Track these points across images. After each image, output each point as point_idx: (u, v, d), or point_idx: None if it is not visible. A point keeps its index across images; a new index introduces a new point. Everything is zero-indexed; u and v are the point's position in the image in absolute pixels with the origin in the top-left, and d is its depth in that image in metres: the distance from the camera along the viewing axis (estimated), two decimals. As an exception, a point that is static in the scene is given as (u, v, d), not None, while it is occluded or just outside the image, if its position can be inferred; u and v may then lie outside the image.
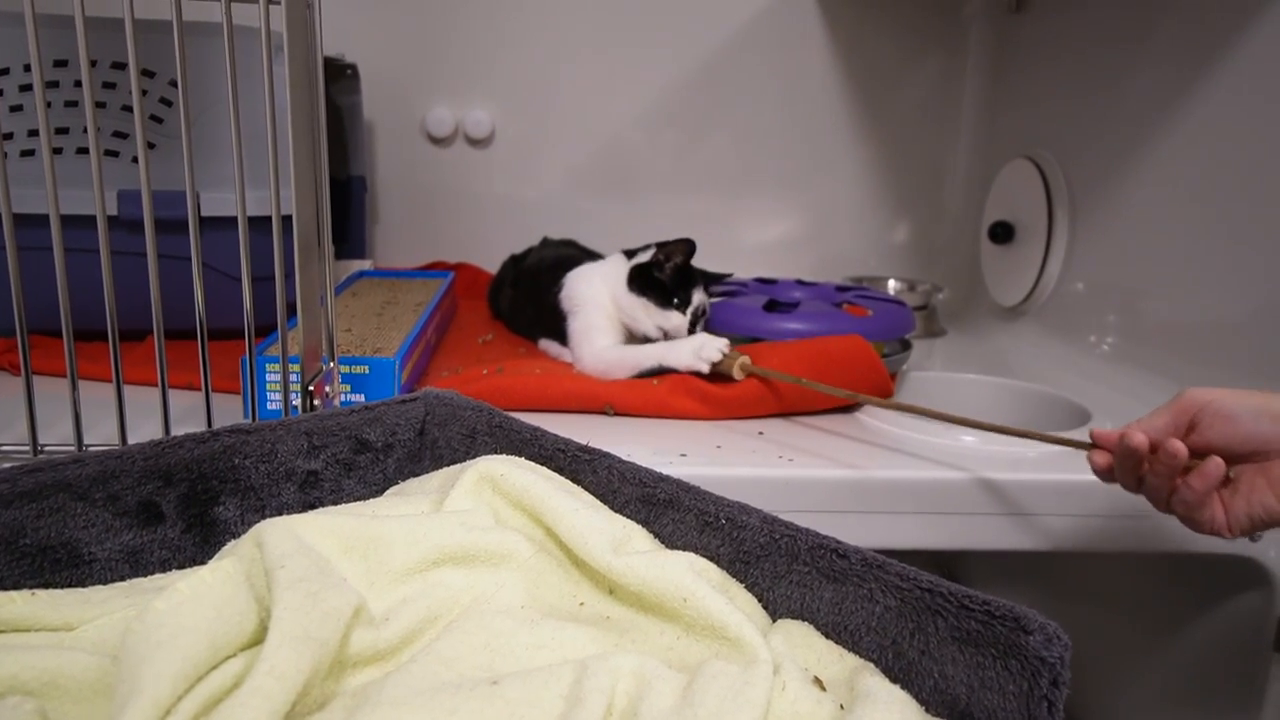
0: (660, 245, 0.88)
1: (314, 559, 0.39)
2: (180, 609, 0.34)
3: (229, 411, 0.71)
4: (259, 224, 0.65)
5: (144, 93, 0.92)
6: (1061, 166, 1.11)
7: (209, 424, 0.64)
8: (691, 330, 0.87)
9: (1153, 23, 0.96)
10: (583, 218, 1.29)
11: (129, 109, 0.92)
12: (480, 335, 1.05)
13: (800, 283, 1.07)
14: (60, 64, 0.89)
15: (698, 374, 0.81)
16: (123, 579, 0.46)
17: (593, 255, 1.10)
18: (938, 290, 1.25)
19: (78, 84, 0.91)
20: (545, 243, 1.18)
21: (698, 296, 0.87)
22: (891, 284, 1.30)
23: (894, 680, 0.38)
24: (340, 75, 1.17)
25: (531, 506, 0.46)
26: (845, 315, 0.90)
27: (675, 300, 0.86)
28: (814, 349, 0.84)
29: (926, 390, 0.95)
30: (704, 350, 0.80)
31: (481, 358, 0.96)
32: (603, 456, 0.50)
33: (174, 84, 0.93)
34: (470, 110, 1.27)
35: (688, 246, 0.86)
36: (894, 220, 1.37)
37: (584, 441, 0.53)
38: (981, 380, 0.97)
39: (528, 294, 1.02)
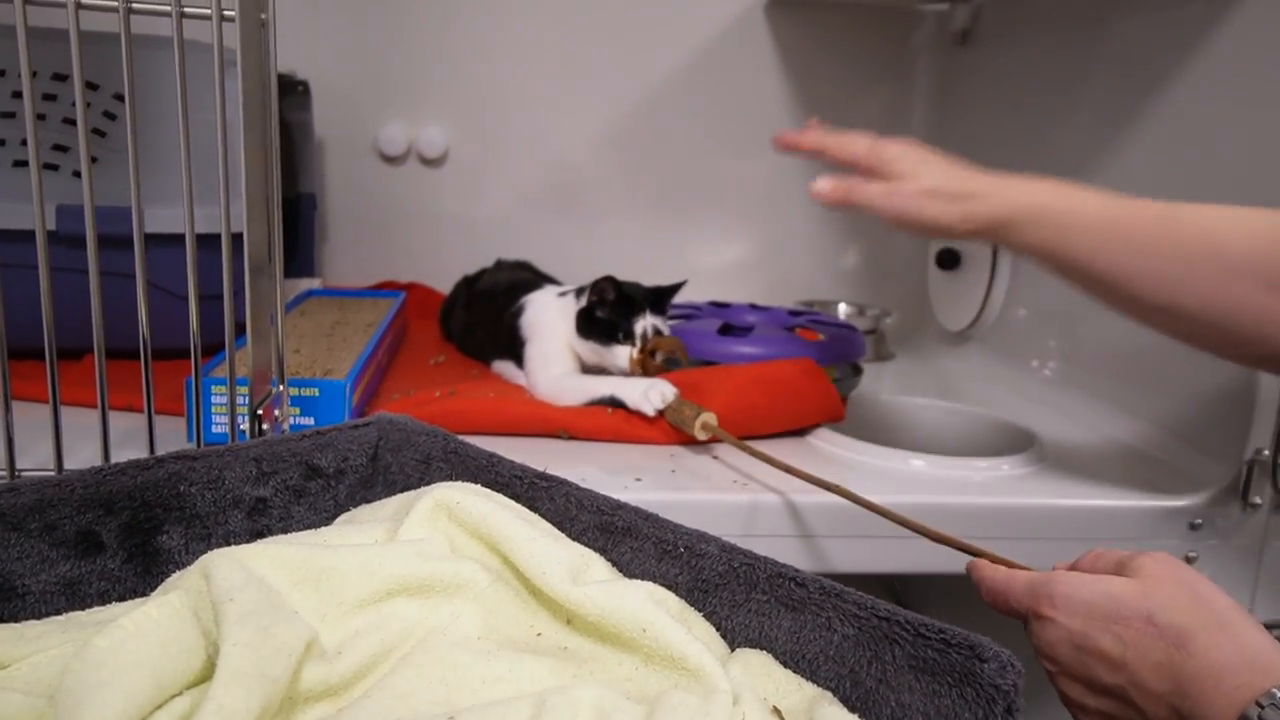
0: (593, 286, 0.87)
1: (264, 591, 0.38)
2: (123, 646, 0.32)
3: (172, 434, 0.69)
4: (206, 242, 0.64)
5: (87, 105, 0.90)
6: (1006, 196, 1.14)
7: (151, 448, 0.62)
8: (651, 351, 0.86)
9: (1090, 61, 1.00)
10: (536, 238, 1.29)
11: (71, 121, 0.89)
12: (432, 356, 1.04)
13: (754, 307, 1.08)
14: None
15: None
16: (59, 612, 0.44)
17: (547, 278, 1.09)
18: (886, 315, 1.27)
19: (16, 95, 0.88)
20: (499, 264, 1.18)
21: (640, 324, 0.87)
22: (842, 308, 1.32)
23: (852, 709, 0.38)
24: (291, 91, 1.16)
25: (488, 535, 0.46)
26: (798, 340, 0.91)
27: (620, 335, 0.86)
28: (767, 374, 0.85)
29: (877, 415, 0.96)
30: (650, 394, 0.79)
31: (433, 380, 0.94)
32: (560, 484, 0.50)
33: (119, 97, 0.91)
34: (423, 129, 1.26)
35: (610, 284, 0.86)
36: (844, 245, 1.39)
37: (540, 467, 0.52)
38: (931, 405, 0.98)
39: (482, 316, 1.01)
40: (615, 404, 0.81)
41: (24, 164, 0.87)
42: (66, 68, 0.58)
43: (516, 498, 0.50)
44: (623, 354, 0.86)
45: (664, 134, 1.32)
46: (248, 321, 0.60)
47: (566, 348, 0.89)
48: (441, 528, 0.47)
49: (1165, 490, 0.76)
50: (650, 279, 0.92)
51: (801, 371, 0.85)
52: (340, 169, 1.27)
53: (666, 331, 0.89)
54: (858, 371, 0.96)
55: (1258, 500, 0.75)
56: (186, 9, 0.58)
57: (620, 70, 1.29)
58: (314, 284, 1.19)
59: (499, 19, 1.26)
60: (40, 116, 0.89)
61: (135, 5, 0.58)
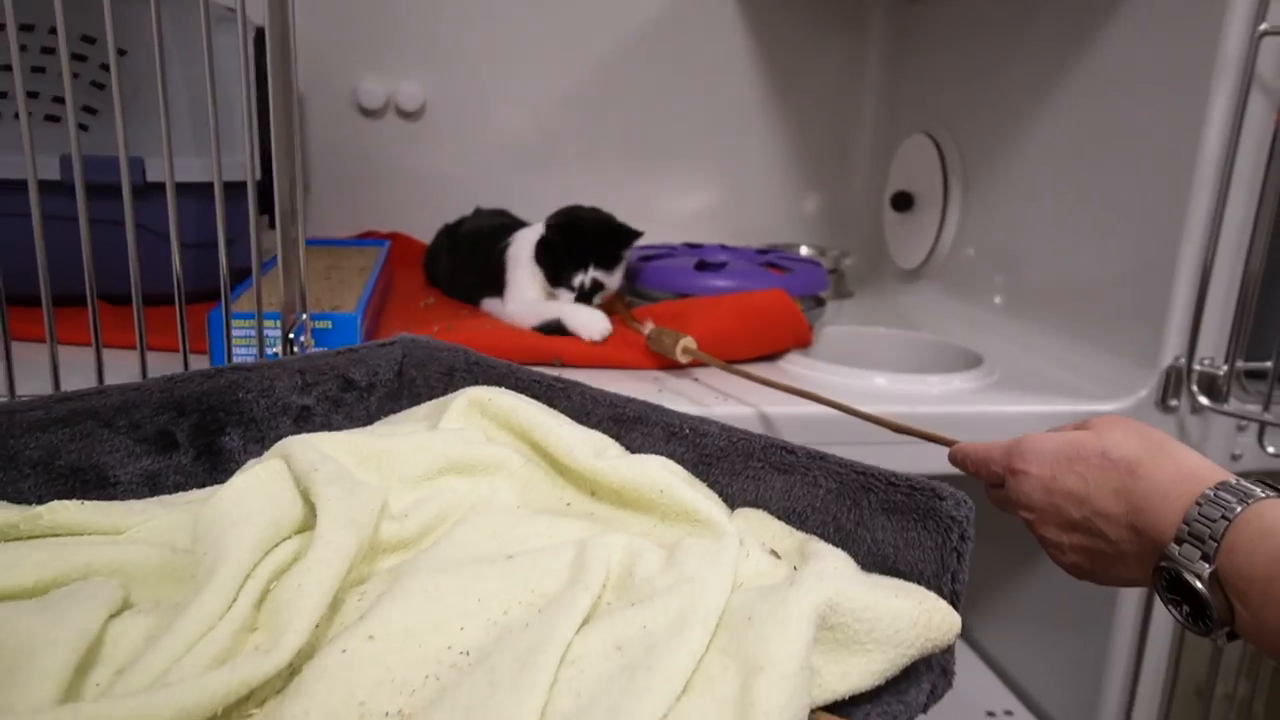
0: (548, 221, 0.95)
1: (339, 465, 0.45)
2: (244, 496, 0.39)
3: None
4: (204, 190, 0.68)
5: (83, 58, 0.93)
6: (955, 141, 1.22)
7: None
8: (589, 297, 0.94)
9: (1031, 11, 1.08)
10: (513, 189, 1.34)
11: (76, 75, 0.93)
12: (422, 300, 1.10)
13: (724, 247, 1.16)
14: (26, 28, 0.90)
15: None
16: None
17: (525, 223, 1.15)
18: (845, 256, 1.35)
19: (24, 49, 0.91)
20: (478, 212, 1.23)
21: (581, 277, 0.93)
22: (803, 250, 1.40)
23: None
24: (274, 46, 1.19)
25: (519, 425, 0.53)
26: (769, 274, 0.99)
27: (563, 279, 0.93)
28: (740, 303, 0.92)
29: (841, 342, 1.04)
30: (601, 326, 0.88)
31: (427, 320, 1.00)
32: (574, 385, 0.57)
33: (122, 51, 0.94)
34: (402, 83, 1.30)
35: (560, 234, 0.94)
36: (804, 191, 1.47)
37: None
38: (889, 333, 1.07)
39: (469, 258, 1.07)
40: (562, 328, 0.90)
41: (31, 116, 0.90)
42: (67, 21, 0.62)
43: (537, 398, 0.57)
44: (564, 297, 0.94)
45: (633, 86, 1.37)
46: (279, 258, 0.66)
47: (532, 277, 0.96)
48: (475, 421, 0.54)
49: (1097, 397, 0.86)
50: (621, 219, 0.99)
51: (773, 301, 0.93)
52: (320, 123, 1.31)
53: (611, 283, 0.95)
54: (820, 304, 1.04)
55: (1174, 403, 0.85)
56: (211, -33, 0.63)
57: (591, 24, 1.34)
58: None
59: (472, -25, 1.30)
60: (39, 69, 0.92)
61: (162, -38, 0.62)
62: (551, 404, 0.57)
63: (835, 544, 0.47)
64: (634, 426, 0.54)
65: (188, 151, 0.93)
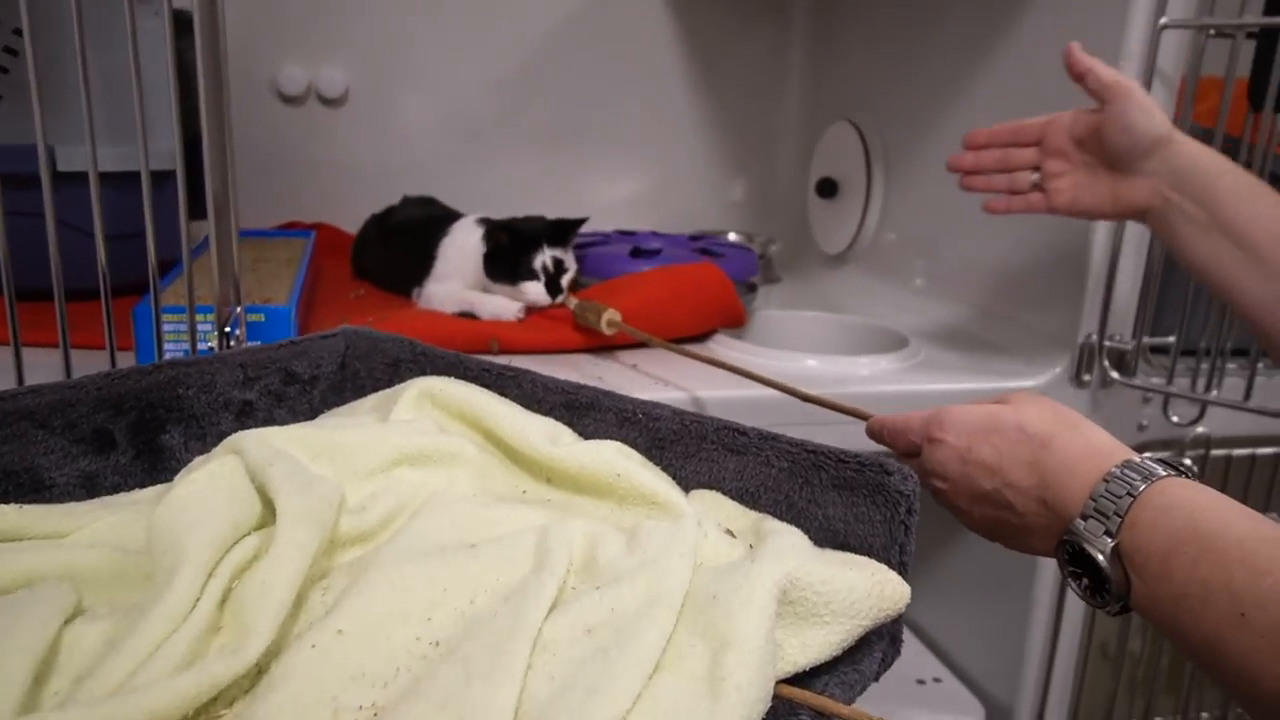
0: (486, 234, 0.94)
1: (293, 460, 0.44)
2: (200, 494, 0.38)
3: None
4: (121, 179, 0.66)
5: (13, 52, 0.88)
6: (877, 128, 1.26)
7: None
8: (555, 284, 0.92)
9: (947, 1, 1.11)
10: (440, 177, 1.33)
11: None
12: (352, 291, 1.08)
13: (656, 234, 1.17)
14: None
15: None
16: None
17: (455, 213, 1.14)
18: (772, 242, 1.38)
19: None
20: (406, 201, 1.21)
21: (539, 258, 0.92)
22: (731, 236, 1.42)
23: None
24: (189, 29, 1.15)
25: (471, 414, 0.53)
26: (703, 259, 1.00)
27: (523, 271, 0.92)
28: (673, 276, 0.93)
29: (771, 326, 1.07)
30: (511, 308, 0.90)
31: (358, 311, 0.99)
32: (524, 372, 0.57)
33: (17, 32, 0.90)
34: (323, 69, 1.27)
35: (502, 231, 0.93)
36: (731, 178, 1.49)
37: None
38: (817, 316, 1.10)
39: (401, 249, 1.06)
40: (474, 315, 0.91)
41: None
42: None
43: (487, 387, 0.57)
44: (531, 289, 0.91)
45: (560, 73, 1.37)
46: (212, 250, 0.64)
47: (457, 271, 0.96)
48: (427, 411, 0.54)
49: (1016, 374, 0.90)
50: (551, 213, 0.99)
51: (705, 275, 0.94)
52: (239, 110, 1.25)
53: (570, 262, 0.94)
54: (752, 289, 1.06)
55: (1087, 378, 0.90)
56: (130, -56, 0.60)
57: (517, 10, 1.33)
58: (220, 225, 1.19)
59: (393, -42, 1.27)
60: None
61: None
62: (502, 392, 0.57)
63: (788, 522, 0.48)
64: (586, 413, 0.54)
65: (101, 140, 0.89)
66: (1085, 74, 0.71)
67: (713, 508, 0.49)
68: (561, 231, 0.95)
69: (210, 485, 0.39)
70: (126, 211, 0.65)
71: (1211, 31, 0.84)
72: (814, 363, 0.90)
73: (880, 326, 1.04)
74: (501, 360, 0.60)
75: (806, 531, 0.47)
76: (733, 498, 0.50)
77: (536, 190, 1.38)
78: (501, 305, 0.90)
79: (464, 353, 0.88)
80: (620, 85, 1.40)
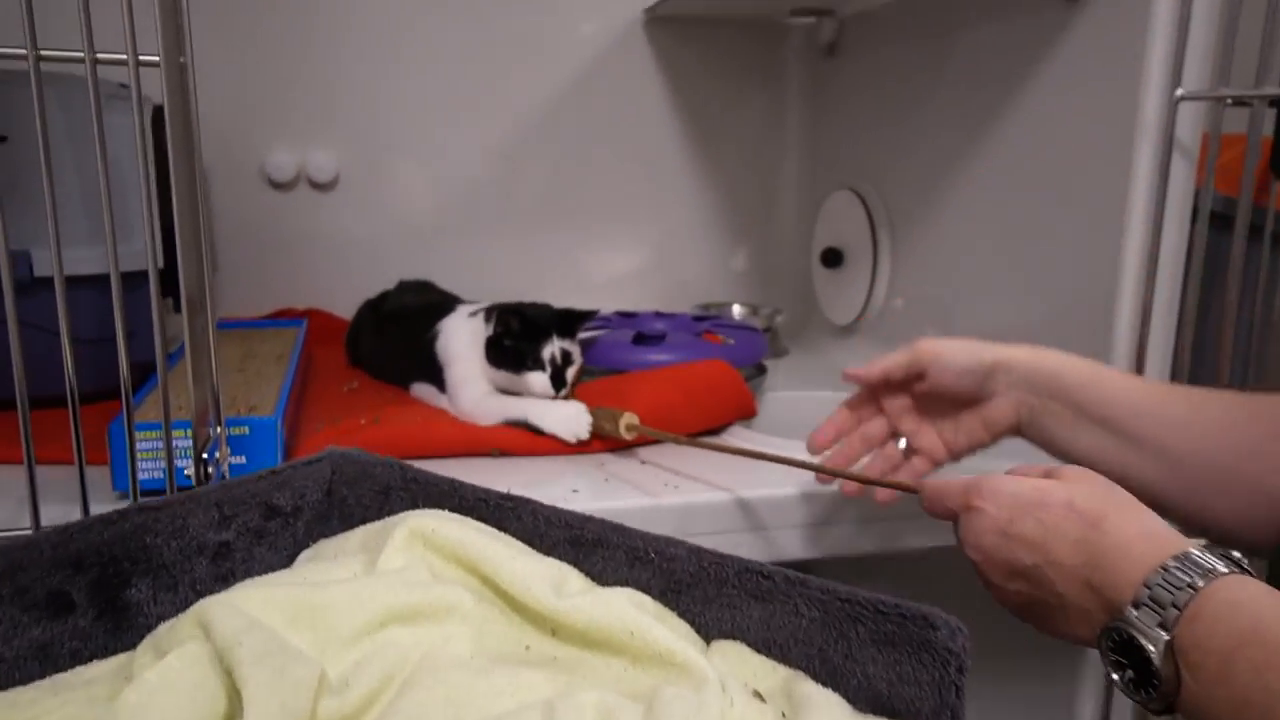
0: (497, 317, 0.88)
1: (267, 633, 0.40)
2: (154, 698, 0.33)
3: (97, 485, 0.67)
4: (102, 281, 0.62)
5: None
6: (881, 196, 1.22)
7: (84, 504, 0.60)
8: (561, 377, 0.86)
9: (947, 66, 1.09)
10: (435, 257, 1.29)
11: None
12: (345, 383, 1.04)
13: (659, 314, 1.13)
14: None
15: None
16: (32, 677, 0.44)
17: (453, 297, 1.11)
18: (778, 313, 1.34)
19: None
20: (402, 286, 1.18)
21: (548, 349, 0.86)
22: (736, 308, 1.38)
23: (822, 685, 0.43)
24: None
25: (468, 558, 0.48)
26: (707, 344, 0.96)
27: (529, 361, 0.86)
28: (681, 375, 0.89)
29: (784, 411, 1.02)
30: (574, 424, 0.81)
31: (352, 406, 0.94)
32: (525, 503, 0.53)
33: (2, 138, 0.87)
34: (313, 153, 1.25)
35: (513, 315, 0.87)
36: (732, 248, 1.45)
37: (503, 489, 0.55)
38: (831, 396, 1.05)
39: (397, 340, 1.02)
40: (532, 428, 0.83)
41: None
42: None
43: (484, 520, 0.52)
44: (536, 380, 0.85)
45: (553, 148, 1.34)
46: (187, 361, 0.60)
47: (483, 369, 0.90)
48: (419, 555, 0.49)
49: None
50: (550, 291, 0.95)
51: (715, 371, 0.90)
52: (227, 197, 1.24)
53: (576, 355, 0.89)
54: (762, 371, 1.01)
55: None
56: (100, 55, 0.57)
57: (507, 86, 1.31)
58: (208, 316, 1.15)
59: (381, 40, 1.25)
60: None
61: (45, 52, 0.56)
62: (501, 526, 0.52)
63: (823, 679, 0.43)
64: (594, 550, 0.50)
65: (79, 241, 0.86)
66: (883, 373, 0.70)
67: (737, 664, 0.44)
68: (570, 323, 0.89)
69: (165, 684, 0.34)
70: (109, 314, 0.61)
71: (1229, 101, 0.81)
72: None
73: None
74: (500, 488, 0.55)
75: (844, 692, 0.42)
76: (759, 649, 0.45)
77: (532, 266, 1.35)
78: (569, 415, 0.82)
79: (465, 454, 0.86)
80: (615, 156, 1.37)
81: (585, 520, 0.51)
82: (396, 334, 1.02)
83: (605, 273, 1.40)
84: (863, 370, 0.71)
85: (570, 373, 0.87)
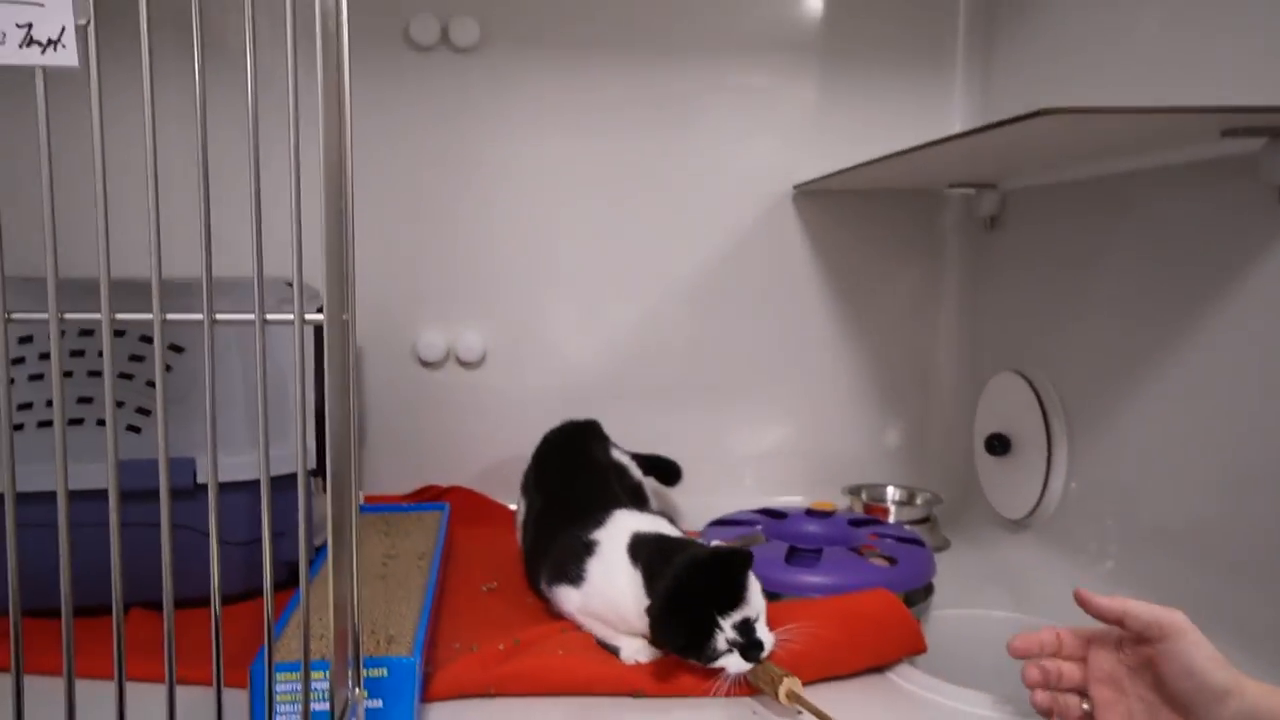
0: (676, 575, 0.75)
1: None
2: None
3: (234, 712, 0.65)
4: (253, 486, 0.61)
5: (140, 359, 0.90)
6: (1051, 379, 1.13)
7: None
8: (754, 646, 0.74)
9: (1113, 241, 1.00)
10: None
11: (130, 376, 0.89)
12: (484, 583, 1.01)
13: (809, 513, 1.06)
14: (86, 333, 0.88)
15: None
16: None
17: (613, 444, 1.11)
18: (938, 500, 1.25)
19: (81, 353, 0.88)
20: (566, 426, 1.13)
21: (721, 637, 0.73)
22: (890, 491, 1.30)
23: None
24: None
25: None
26: (870, 567, 0.88)
27: (707, 652, 0.73)
28: (843, 608, 0.82)
29: (954, 634, 0.92)
30: (638, 655, 0.79)
31: (488, 612, 0.92)
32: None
33: (175, 348, 0.91)
34: (462, 333, 1.27)
35: (706, 574, 0.74)
36: (884, 425, 1.38)
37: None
38: (1006, 618, 0.95)
39: (550, 535, 0.94)
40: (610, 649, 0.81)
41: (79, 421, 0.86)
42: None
43: None
44: (734, 662, 0.73)
45: (699, 324, 1.32)
46: (330, 602, 0.57)
47: (619, 616, 0.82)
48: None
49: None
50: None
51: (880, 604, 0.82)
52: (379, 376, 1.27)
53: (756, 614, 0.75)
54: (929, 591, 0.92)
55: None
56: (270, 317, 0.58)
57: (656, 263, 1.31)
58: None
59: (532, 221, 1.28)
60: (127, 376, 0.89)
61: (219, 317, 0.57)
62: None
63: None
64: None
65: (242, 447, 0.88)
66: (1122, 617, 0.63)
67: None
68: (730, 584, 0.76)
69: None
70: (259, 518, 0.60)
71: None
72: (1012, 707, 0.75)
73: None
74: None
75: None
76: None
77: (676, 441, 1.30)
78: (639, 650, 0.80)
79: (604, 694, 0.78)
80: (763, 330, 1.34)
81: None
82: (551, 529, 0.96)
83: (750, 450, 1.35)
84: (1104, 600, 0.64)
85: (763, 637, 0.75)
